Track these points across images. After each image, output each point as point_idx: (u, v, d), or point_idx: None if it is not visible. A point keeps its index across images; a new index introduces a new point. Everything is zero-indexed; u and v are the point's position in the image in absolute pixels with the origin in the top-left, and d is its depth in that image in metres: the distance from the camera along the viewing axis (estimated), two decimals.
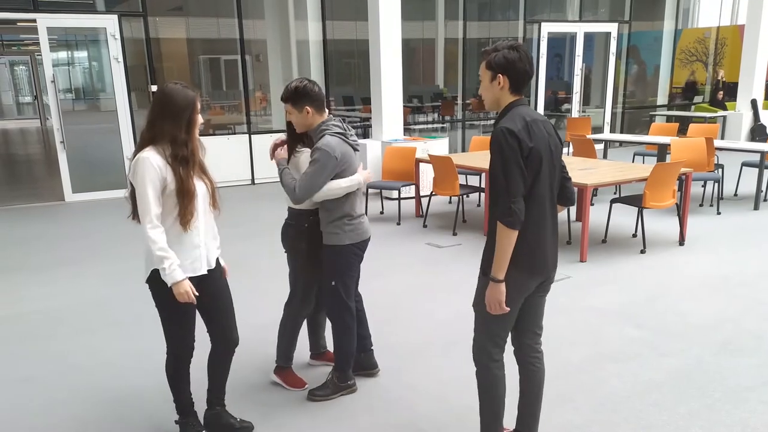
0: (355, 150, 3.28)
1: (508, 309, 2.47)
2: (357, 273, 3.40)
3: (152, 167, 2.56)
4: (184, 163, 2.62)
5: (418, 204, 7.78)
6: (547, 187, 2.46)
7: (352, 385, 3.47)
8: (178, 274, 2.60)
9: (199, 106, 2.68)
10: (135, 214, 2.69)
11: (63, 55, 11.93)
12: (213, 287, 2.86)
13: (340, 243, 3.24)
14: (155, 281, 2.68)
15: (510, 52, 2.42)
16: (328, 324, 3.64)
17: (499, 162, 2.36)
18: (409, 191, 7.98)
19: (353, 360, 3.47)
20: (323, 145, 3.08)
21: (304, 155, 3.23)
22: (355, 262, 3.33)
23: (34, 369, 3.86)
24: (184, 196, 2.61)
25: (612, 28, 12.86)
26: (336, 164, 3.10)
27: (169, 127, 2.60)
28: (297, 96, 3.12)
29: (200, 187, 2.71)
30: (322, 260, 3.31)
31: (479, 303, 2.57)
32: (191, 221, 2.65)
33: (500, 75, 2.44)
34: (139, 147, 2.65)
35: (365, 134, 11.37)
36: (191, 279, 2.70)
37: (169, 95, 2.61)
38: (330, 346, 3.80)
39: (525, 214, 2.37)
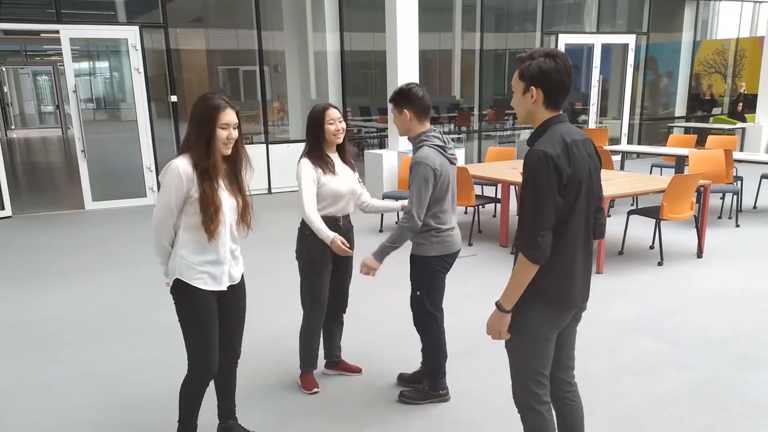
0: (452, 163, 3.24)
1: (508, 335, 2.28)
2: (443, 284, 3.35)
3: (180, 176, 2.54)
4: (205, 175, 2.57)
5: None
6: (582, 215, 2.20)
7: (444, 395, 3.42)
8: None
9: (224, 120, 2.56)
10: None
11: (85, 65, 12.13)
12: (233, 302, 2.84)
13: (425, 254, 3.22)
14: (179, 290, 2.68)
15: (546, 61, 2.14)
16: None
17: (531, 190, 2.10)
18: None
19: (444, 368, 3.42)
20: (421, 158, 3.08)
21: (303, 165, 3.27)
22: (441, 273, 3.30)
23: (50, 375, 3.91)
24: (207, 207, 2.58)
25: (630, 39, 12.83)
26: (435, 175, 3.09)
27: (193, 137, 2.58)
28: (399, 97, 3.15)
29: (228, 202, 2.67)
30: (411, 271, 3.30)
31: (511, 341, 2.33)
32: (215, 231, 2.62)
33: (533, 87, 2.16)
34: (179, 153, 2.66)
35: (381, 145, 11.42)
36: (212, 292, 2.71)
37: (196, 104, 2.60)
38: (344, 355, 3.83)
39: (556, 245, 2.14)
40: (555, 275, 2.19)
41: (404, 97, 3.13)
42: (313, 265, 3.39)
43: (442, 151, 3.18)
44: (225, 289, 2.76)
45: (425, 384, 3.45)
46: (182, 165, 2.56)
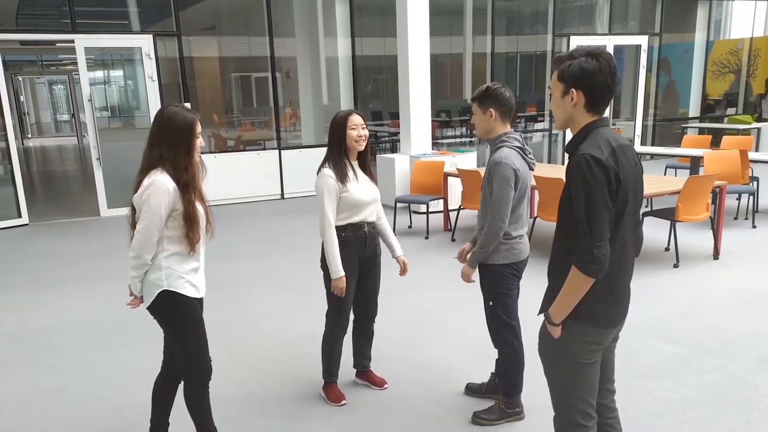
0: (531, 168, 3.13)
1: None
2: (515, 292, 3.21)
3: (168, 192, 2.54)
4: (185, 188, 2.59)
5: (447, 218, 7.78)
6: (630, 226, 2.05)
7: (519, 412, 3.27)
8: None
9: (198, 129, 2.63)
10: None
11: (99, 74, 12.27)
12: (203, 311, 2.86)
13: (493, 262, 3.10)
14: (164, 303, 2.64)
15: (588, 60, 1.97)
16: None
17: (582, 198, 1.93)
18: (437, 205, 7.99)
19: (522, 384, 3.27)
20: (501, 158, 2.98)
21: (325, 177, 3.21)
22: (511, 281, 3.16)
23: (66, 380, 3.94)
24: (190, 220, 2.59)
25: (642, 40, 12.75)
26: (517, 176, 2.98)
27: (167, 151, 2.56)
28: (485, 96, 3.05)
29: (201, 211, 2.68)
30: (481, 280, 3.21)
31: (552, 369, 2.18)
32: (197, 243, 2.65)
33: (573, 90, 2.01)
34: (143, 171, 2.61)
35: (393, 149, 11.43)
36: (197, 300, 2.72)
37: (167, 119, 2.58)
38: (372, 365, 3.78)
39: None
40: (598, 292, 2.01)
41: (491, 96, 3.03)
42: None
43: (522, 153, 3.07)
44: (203, 296, 2.79)
45: (500, 401, 3.28)
46: (167, 181, 2.55)
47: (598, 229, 1.93)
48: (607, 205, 1.93)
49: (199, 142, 2.65)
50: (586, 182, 1.93)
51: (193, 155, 2.62)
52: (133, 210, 2.66)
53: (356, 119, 3.26)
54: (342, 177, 3.23)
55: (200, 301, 2.79)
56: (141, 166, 2.65)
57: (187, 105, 9.09)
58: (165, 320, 2.72)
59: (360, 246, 3.34)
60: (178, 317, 2.69)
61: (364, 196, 3.29)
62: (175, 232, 2.62)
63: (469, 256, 3.19)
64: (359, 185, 3.29)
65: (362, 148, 3.30)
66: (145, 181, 2.57)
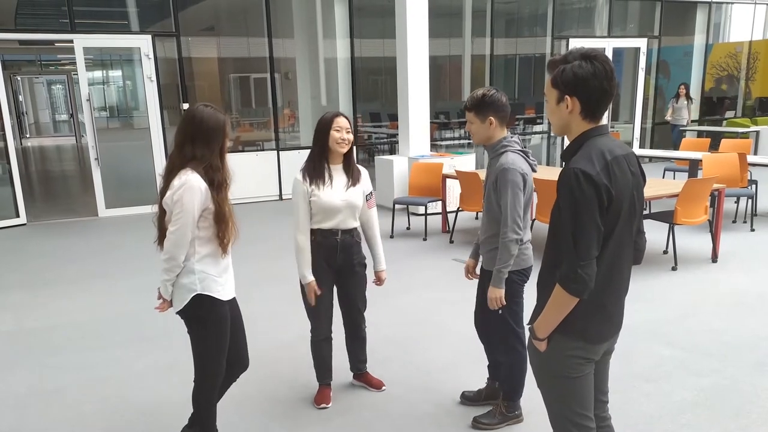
0: (533, 170, 3.07)
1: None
2: (522, 298, 3.16)
3: (200, 191, 2.53)
4: (219, 188, 2.57)
5: (445, 219, 7.77)
6: (624, 241, 1.97)
7: (519, 415, 3.27)
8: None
9: (229, 129, 2.63)
10: (162, 240, 2.64)
11: (98, 74, 12.25)
12: (236, 311, 2.86)
13: None
14: (197, 306, 2.63)
15: (582, 64, 1.87)
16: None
17: (568, 214, 1.86)
18: (435, 207, 7.98)
19: (523, 389, 3.26)
20: (509, 164, 2.90)
21: (294, 183, 3.20)
22: (519, 288, 3.11)
23: (65, 380, 3.93)
24: (222, 221, 2.58)
25: (641, 43, 12.76)
26: (525, 180, 2.93)
27: (200, 151, 2.55)
28: (483, 105, 2.94)
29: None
30: (488, 288, 3.10)
31: (543, 382, 2.13)
32: (229, 243, 2.64)
33: (567, 96, 1.91)
34: (173, 170, 2.57)
35: (392, 150, 11.42)
36: (227, 302, 2.73)
37: (200, 118, 2.55)
38: (370, 366, 3.77)
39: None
40: (586, 307, 1.95)
41: (489, 103, 2.93)
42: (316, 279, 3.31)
43: (525, 157, 3.02)
44: (234, 296, 2.79)
45: (501, 405, 3.26)
46: (198, 180, 2.53)
47: (584, 248, 1.85)
48: (596, 223, 1.85)
49: (227, 142, 2.65)
50: (574, 199, 1.84)
51: (224, 155, 2.62)
52: (162, 212, 2.63)
53: (341, 122, 3.19)
54: (315, 180, 3.19)
55: (230, 302, 2.78)
56: (169, 166, 2.62)
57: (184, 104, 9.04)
58: (195, 323, 2.70)
59: (330, 253, 3.28)
60: (209, 320, 2.68)
61: (335, 202, 3.20)
62: (206, 232, 2.61)
63: (493, 276, 3.03)
64: (333, 190, 3.20)
65: (343, 150, 3.21)
66: (176, 182, 2.54)
